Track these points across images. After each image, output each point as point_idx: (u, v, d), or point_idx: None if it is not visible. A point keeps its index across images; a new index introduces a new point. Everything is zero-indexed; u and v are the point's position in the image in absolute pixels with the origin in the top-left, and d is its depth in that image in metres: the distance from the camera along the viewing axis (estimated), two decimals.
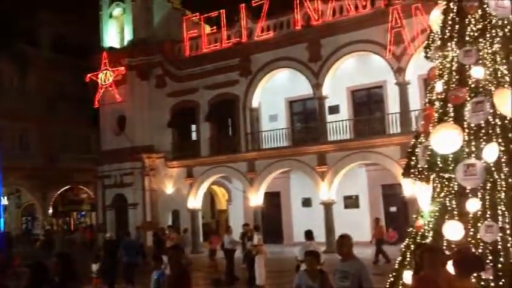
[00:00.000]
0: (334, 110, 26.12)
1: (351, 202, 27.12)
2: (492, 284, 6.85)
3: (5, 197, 32.95)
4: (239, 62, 27.75)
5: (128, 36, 31.39)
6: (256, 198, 26.96)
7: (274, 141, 26.90)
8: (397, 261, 8.19)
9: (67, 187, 39.09)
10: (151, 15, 31.16)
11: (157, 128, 29.99)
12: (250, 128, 27.66)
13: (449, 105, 7.94)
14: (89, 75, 31.21)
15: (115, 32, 32.26)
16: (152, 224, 28.72)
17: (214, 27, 28.92)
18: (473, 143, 7.57)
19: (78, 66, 34.14)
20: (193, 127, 30.08)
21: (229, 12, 28.04)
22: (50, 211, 37.90)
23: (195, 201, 28.95)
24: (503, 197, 7.41)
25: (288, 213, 28.80)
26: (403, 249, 8.22)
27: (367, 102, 26.49)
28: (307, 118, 28.00)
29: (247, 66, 27.59)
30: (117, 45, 31.94)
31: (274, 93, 27.45)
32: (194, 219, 28.78)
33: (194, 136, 30.18)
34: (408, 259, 7.93)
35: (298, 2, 25.34)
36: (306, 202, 28.17)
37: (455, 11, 8.16)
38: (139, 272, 16.15)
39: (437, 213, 7.85)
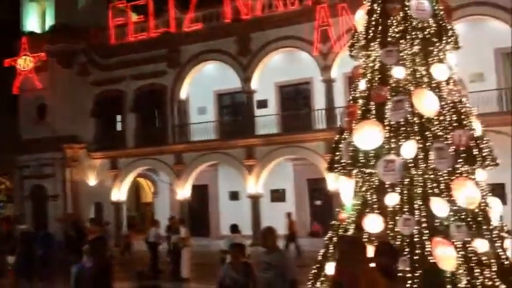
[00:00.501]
0: (262, 104, 26.35)
1: (278, 196, 27.52)
2: (408, 275, 7.19)
3: None
4: (167, 53, 27.36)
5: (49, 21, 30.06)
6: (183, 191, 26.76)
7: (202, 133, 26.78)
8: (320, 254, 8.41)
9: None
10: (74, 0, 29.97)
11: (80, 118, 28.93)
12: (178, 120, 27.40)
13: (372, 103, 8.22)
14: (7, 60, 29.65)
15: (36, 16, 30.77)
16: (73, 216, 27.79)
17: (142, 16, 28.26)
18: (393, 140, 7.89)
19: None
20: (119, 117, 29.39)
21: (158, 2, 27.54)
22: None
23: (119, 193, 28.32)
24: (419, 192, 7.79)
25: (215, 206, 28.81)
26: (326, 242, 8.45)
27: (295, 98, 26.92)
28: (236, 111, 28.09)
29: (176, 57, 27.26)
30: (38, 30, 30.52)
31: (203, 85, 27.30)
32: (118, 212, 28.15)
33: (119, 127, 29.48)
34: (331, 251, 8.17)
35: None
36: (234, 195, 28.29)
37: (378, 12, 8.45)
38: (58, 266, 15.61)
39: (358, 207, 8.13)
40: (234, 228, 13.26)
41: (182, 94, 27.44)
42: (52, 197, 29.06)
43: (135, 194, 32.66)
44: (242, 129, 26.08)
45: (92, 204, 29.01)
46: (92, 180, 28.93)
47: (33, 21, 30.69)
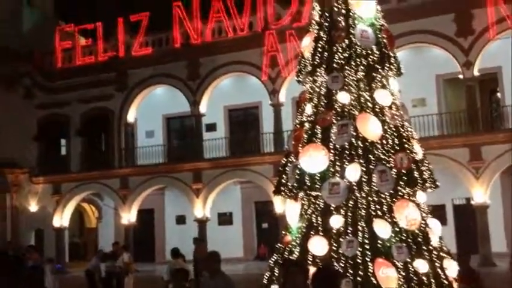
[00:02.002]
0: (211, 127, 26.41)
1: (225, 219, 27.40)
2: None
3: None
4: (115, 77, 27.07)
5: None
6: (129, 216, 26.24)
7: (150, 157, 26.49)
8: (265, 276, 8.41)
9: None
10: (20, 23, 29.32)
11: (23, 142, 28.00)
12: (125, 144, 26.99)
13: (317, 127, 8.40)
14: None
15: None
16: (11, 244, 26.65)
17: (90, 40, 27.92)
18: (338, 163, 8.07)
19: None
20: (63, 141, 28.67)
21: (106, 26, 27.32)
22: None
23: (62, 219, 27.45)
24: (363, 214, 7.96)
25: (161, 230, 28.36)
26: (271, 265, 8.47)
27: (243, 122, 27.11)
28: (184, 135, 27.99)
29: (124, 80, 27.01)
30: None
31: (152, 109, 27.12)
32: (60, 238, 27.25)
33: (64, 151, 28.74)
34: (276, 274, 8.19)
35: (177, 20, 25.38)
36: (180, 219, 27.96)
37: (324, 39, 8.71)
38: None
39: (304, 230, 8.22)
40: (175, 253, 13.02)
41: (130, 117, 27.14)
42: None
43: (79, 220, 31.74)
44: (190, 152, 25.95)
45: (32, 230, 27.95)
46: (33, 206, 27.93)
47: None
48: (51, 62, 28.43)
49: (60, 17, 30.73)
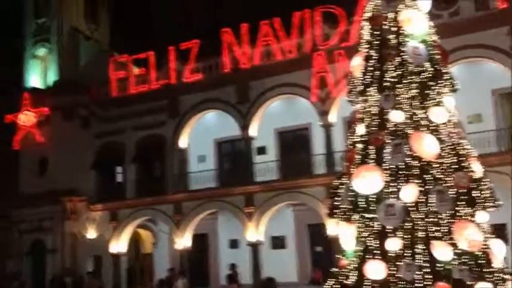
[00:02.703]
0: (261, 150, 26.41)
1: (279, 242, 27.15)
2: None
3: None
4: (167, 104, 27.62)
5: (53, 76, 30.54)
6: (183, 241, 26.44)
7: (202, 182, 26.70)
8: None
9: None
10: (78, 56, 30.59)
11: (81, 170, 28.89)
12: (178, 169, 27.37)
13: (370, 147, 8.23)
14: (8, 116, 29.91)
15: (39, 72, 31.26)
16: (68, 270, 27.40)
17: (143, 69, 28.74)
18: (393, 184, 7.86)
19: None
20: (119, 169, 29.36)
21: (158, 54, 28.05)
22: None
23: (119, 245, 27.97)
24: (421, 236, 7.69)
25: (215, 255, 28.38)
26: None
27: (293, 144, 26.97)
28: (235, 159, 28.08)
29: (176, 107, 27.51)
30: (41, 86, 30.94)
31: (203, 134, 27.45)
32: (117, 264, 27.73)
33: (119, 178, 29.42)
34: None
35: (226, 46, 25.76)
36: (234, 243, 27.92)
37: (375, 58, 8.59)
38: None
39: (359, 253, 8.01)
40: (230, 278, 12.96)
41: (182, 143, 27.54)
42: (50, 251, 28.67)
43: (135, 245, 32.24)
44: (241, 176, 26.00)
45: (90, 257, 28.61)
46: (91, 233, 28.62)
47: (36, 77, 31.13)
48: (107, 92, 29.35)
49: (114, 49, 31.79)
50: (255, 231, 24.87)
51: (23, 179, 30.49)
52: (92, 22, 32.03)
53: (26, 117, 29.66)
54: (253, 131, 25.77)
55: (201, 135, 27.49)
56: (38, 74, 31.23)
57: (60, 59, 30.44)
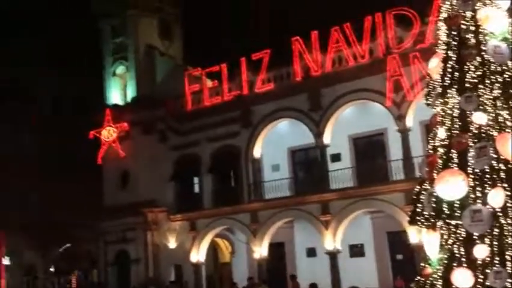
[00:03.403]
0: (336, 158, 26.15)
1: (357, 251, 26.71)
2: None
3: (6, 257, 32.56)
4: (240, 114, 28.02)
5: (131, 93, 31.85)
6: (260, 250, 26.61)
7: (277, 191, 26.79)
8: None
9: (67, 245, 38.72)
10: (154, 72, 31.73)
11: (160, 182, 29.93)
12: (253, 179, 27.62)
13: (453, 151, 7.97)
14: (92, 132, 31.45)
15: (118, 89, 32.71)
16: (152, 280, 28.29)
17: (216, 81, 29.36)
18: (479, 189, 7.56)
19: (80, 124, 34.51)
20: (196, 180, 30.07)
21: (230, 66, 28.55)
22: (52, 270, 37.33)
23: (198, 254, 28.57)
24: (511, 242, 7.33)
25: (292, 264, 28.32)
26: None
27: (369, 150, 26.48)
28: (309, 167, 27.96)
29: (249, 117, 27.84)
30: (120, 102, 32.34)
31: (276, 143, 27.58)
32: (197, 273, 28.31)
33: (197, 189, 30.11)
34: None
35: (297, 54, 25.81)
36: (311, 252, 27.75)
37: (454, 59, 8.33)
38: None
39: (445, 261, 7.74)
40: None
41: (256, 153, 27.79)
42: (134, 261, 29.77)
43: (213, 255, 32.81)
44: (316, 184, 25.86)
45: (172, 266, 29.40)
46: (172, 243, 29.44)
47: (116, 94, 32.60)
48: (182, 105, 30.19)
49: (188, 63, 32.71)
50: (333, 240, 24.62)
51: (107, 191, 31.94)
52: (166, 39, 33.14)
53: (108, 133, 31.08)
54: (327, 138, 25.58)
55: (274, 144, 27.62)
56: (118, 91, 32.68)
57: (137, 75, 31.71)
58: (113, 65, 32.81)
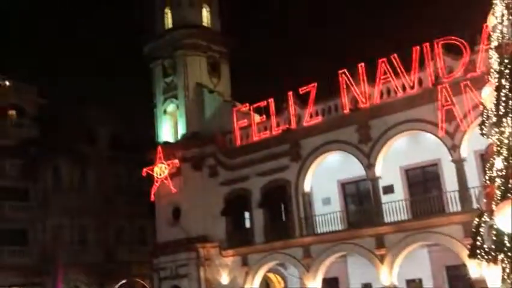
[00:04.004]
0: (388, 190, 25.65)
1: (415, 286, 25.85)
2: None
3: None
4: (289, 148, 28.05)
5: (181, 130, 32.52)
6: (314, 285, 26.15)
7: (329, 224, 26.47)
8: None
9: (123, 281, 39.25)
10: (203, 109, 32.35)
11: (211, 217, 30.18)
12: (304, 213, 27.41)
13: (511, 181, 7.72)
14: (145, 169, 32.17)
15: (169, 126, 33.46)
16: None
17: (264, 116, 29.64)
18: None
19: (134, 162, 35.47)
20: (247, 214, 30.09)
21: (278, 101, 28.82)
22: None
23: None
24: None
25: None
26: None
27: (422, 181, 25.87)
28: (361, 200, 27.53)
29: (297, 151, 27.82)
30: (171, 139, 33.03)
31: (326, 176, 27.38)
32: None
33: (248, 223, 30.11)
34: None
35: (344, 86, 25.80)
36: None
37: (507, 87, 8.15)
38: None
39: None
40: None
41: (306, 186, 27.64)
42: None
43: None
44: (369, 217, 25.40)
45: None
46: (224, 278, 29.38)
47: (167, 131, 33.34)
48: (231, 140, 30.60)
49: (236, 99, 33.23)
50: (389, 274, 23.96)
51: (160, 228, 32.41)
52: (215, 76, 33.84)
53: (160, 170, 31.68)
54: (378, 170, 25.19)
55: (324, 177, 27.44)
56: (169, 128, 33.41)
57: (187, 113, 32.40)
58: (164, 103, 33.67)
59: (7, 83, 34.91)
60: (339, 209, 27.44)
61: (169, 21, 34.47)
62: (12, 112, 35.23)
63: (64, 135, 31.43)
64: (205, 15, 34.68)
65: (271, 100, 28.69)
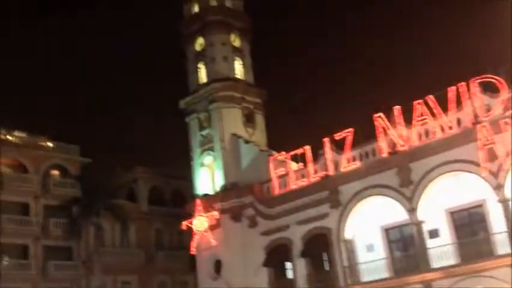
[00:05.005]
0: (434, 234, 24.90)
1: None
2: None
3: None
4: (328, 195, 27.75)
5: (219, 181, 32.64)
6: None
7: (373, 272, 25.75)
8: None
9: None
10: (239, 160, 32.51)
11: (253, 268, 29.75)
12: (347, 261, 26.79)
13: None
14: (184, 222, 32.24)
15: (207, 179, 33.60)
16: None
17: (301, 164, 29.54)
18: None
19: (173, 215, 35.63)
20: (289, 264, 29.58)
21: (314, 148, 28.72)
22: None
23: None
24: None
25: None
26: None
27: (468, 223, 24.99)
28: (406, 245, 26.71)
29: (337, 198, 27.48)
30: (209, 191, 33.12)
31: (368, 222, 26.83)
32: None
33: (290, 274, 29.55)
34: None
35: (381, 130, 25.61)
36: None
37: None
38: None
39: None
40: None
41: (348, 234, 27.11)
42: None
43: None
44: (415, 263, 24.62)
45: None
46: None
47: (205, 183, 33.49)
48: (269, 190, 30.48)
49: (272, 147, 33.31)
50: None
51: (202, 281, 32.13)
52: (250, 126, 34.16)
53: (200, 222, 31.68)
54: (421, 213, 24.60)
55: (366, 223, 26.90)
56: (207, 181, 33.56)
57: (224, 164, 32.60)
58: (201, 156, 33.98)
59: (50, 144, 36.02)
60: (383, 255, 26.68)
61: (203, 76, 35.27)
62: (55, 172, 36.19)
63: (105, 192, 31.90)
64: (238, 67, 35.40)
65: (307, 147, 28.67)
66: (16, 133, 35.02)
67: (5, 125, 34.44)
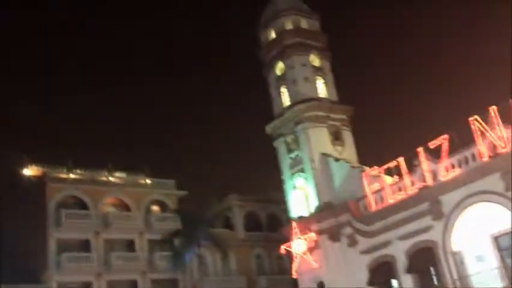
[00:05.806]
0: None
1: None
2: None
3: None
4: (429, 206, 26.74)
5: (313, 202, 32.43)
6: None
7: (486, 284, 24.35)
8: None
9: None
10: (331, 179, 32.16)
11: None
12: (457, 273, 25.52)
13: None
14: (282, 246, 32.22)
15: (301, 201, 33.48)
16: None
17: (395, 177, 28.73)
18: None
19: (270, 240, 35.71)
20: (395, 282, 28.63)
21: (407, 159, 27.89)
22: None
23: None
24: None
25: None
26: None
27: None
28: None
29: (439, 208, 26.41)
30: (304, 213, 32.98)
31: (475, 231, 25.49)
32: None
33: None
34: None
35: (479, 133, 24.45)
36: None
37: None
38: None
39: None
40: None
41: (455, 245, 25.88)
42: None
43: None
44: None
45: None
46: None
47: (299, 206, 33.40)
48: (365, 206, 29.87)
49: (363, 163, 32.71)
50: None
51: None
52: (338, 144, 33.80)
53: (298, 245, 31.52)
54: None
55: (472, 232, 25.57)
56: (301, 202, 33.44)
57: (316, 184, 32.37)
58: (292, 178, 34.00)
59: (148, 181, 37.60)
60: (495, 265, 25.18)
61: (286, 99, 35.52)
62: (156, 207, 37.59)
63: (203, 222, 32.65)
64: (320, 86, 35.37)
65: (400, 159, 27.89)
66: (117, 174, 36.85)
67: (106, 166, 36.40)
